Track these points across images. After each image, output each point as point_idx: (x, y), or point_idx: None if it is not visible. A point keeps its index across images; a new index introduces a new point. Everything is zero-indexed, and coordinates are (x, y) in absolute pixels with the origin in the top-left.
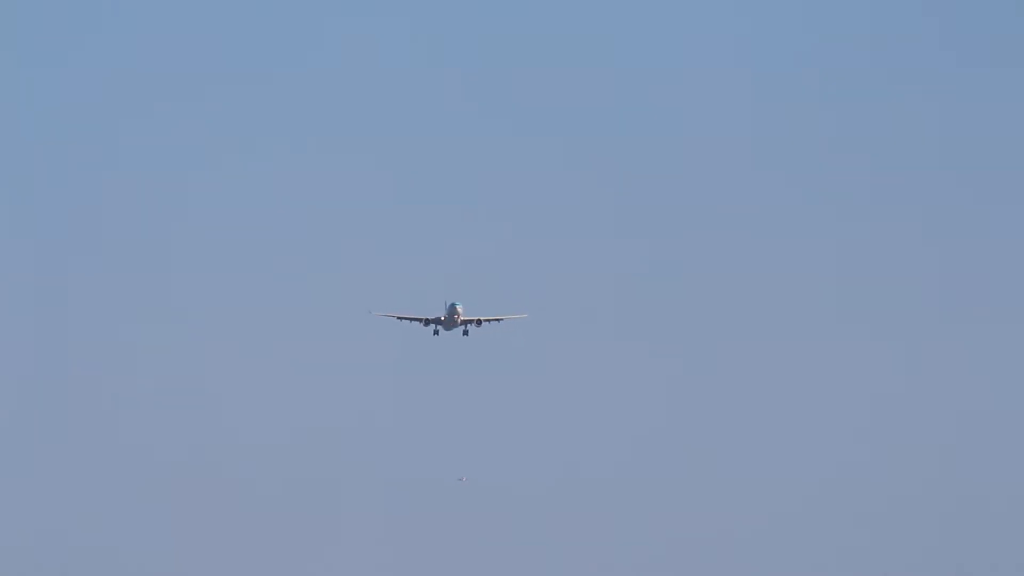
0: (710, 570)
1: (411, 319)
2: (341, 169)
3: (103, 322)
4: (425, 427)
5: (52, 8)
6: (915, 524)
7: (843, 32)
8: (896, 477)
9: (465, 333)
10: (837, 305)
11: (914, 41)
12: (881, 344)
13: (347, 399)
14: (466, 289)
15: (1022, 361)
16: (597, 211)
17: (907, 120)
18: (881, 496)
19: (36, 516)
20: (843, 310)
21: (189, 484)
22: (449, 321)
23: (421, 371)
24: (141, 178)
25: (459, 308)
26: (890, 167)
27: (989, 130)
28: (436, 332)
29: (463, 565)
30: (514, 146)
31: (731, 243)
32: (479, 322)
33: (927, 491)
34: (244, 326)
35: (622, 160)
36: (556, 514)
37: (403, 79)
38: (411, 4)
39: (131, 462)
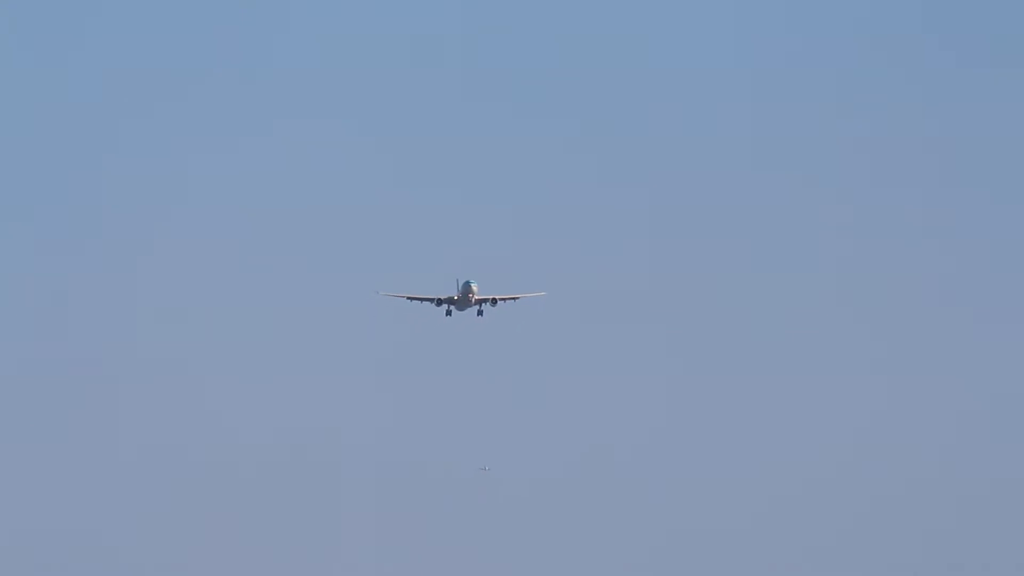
0: (718, 561)
1: (422, 299)
2: (345, 157)
3: (102, 320)
4: (438, 415)
5: (46, 6)
6: (915, 527)
7: (843, 32)
8: (897, 479)
9: (480, 313)
10: (837, 304)
11: (914, 41)
12: (880, 344)
13: (356, 387)
14: (475, 271)
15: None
16: (596, 210)
17: (908, 121)
18: (881, 497)
19: (31, 515)
20: (843, 309)
21: (190, 480)
22: (463, 300)
23: (434, 355)
24: (139, 177)
25: (474, 286)
26: (890, 168)
27: (989, 131)
28: (449, 312)
29: (484, 553)
30: (514, 142)
31: (731, 243)
32: (494, 301)
33: (928, 494)
34: (253, 318)
35: (621, 159)
36: (576, 501)
37: (404, 72)
38: (410, 3)
39: (138, 459)
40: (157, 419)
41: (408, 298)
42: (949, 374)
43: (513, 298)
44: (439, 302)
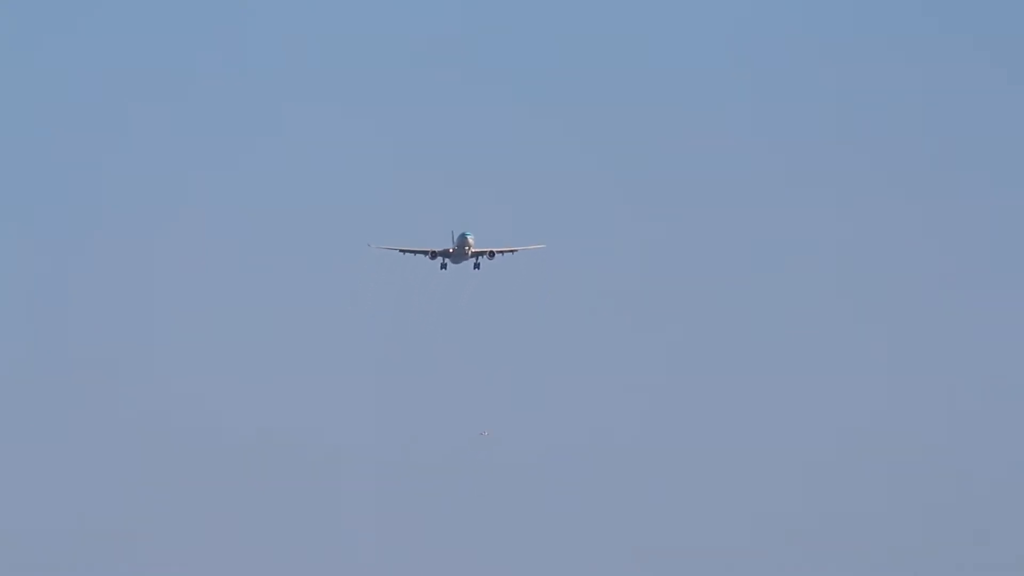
0: (717, 558)
1: (415, 251)
2: (344, 157)
3: (102, 320)
4: (434, 376)
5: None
6: (915, 527)
7: (843, 32)
8: (897, 479)
9: (476, 267)
10: (837, 298)
11: (915, 41)
12: (880, 344)
13: (347, 345)
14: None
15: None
16: (592, 209)
17: (908, 121)
18: (881, 497)
19: (26, 514)
20: (843, 304)
21: (197, 475)
22: (459, 253)
23: (428, 310)
24: (139, 177)
25: (470, 238)
26: (890, 168)
27: (990, 131)
28: (444, 266)
29: (482, 526)
30: (513, 142)
31: (730, 243)
32: (492, 254)
33: (928, 494)
34: (252, 317)
35: (620, 160)
36: (577, 470)
37: (404, 72)
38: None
39: (142, 457)
40: (156, 420)
41: (401, 251)
42: (949, 374)
43: (511, 250)
44: (433, 255)
